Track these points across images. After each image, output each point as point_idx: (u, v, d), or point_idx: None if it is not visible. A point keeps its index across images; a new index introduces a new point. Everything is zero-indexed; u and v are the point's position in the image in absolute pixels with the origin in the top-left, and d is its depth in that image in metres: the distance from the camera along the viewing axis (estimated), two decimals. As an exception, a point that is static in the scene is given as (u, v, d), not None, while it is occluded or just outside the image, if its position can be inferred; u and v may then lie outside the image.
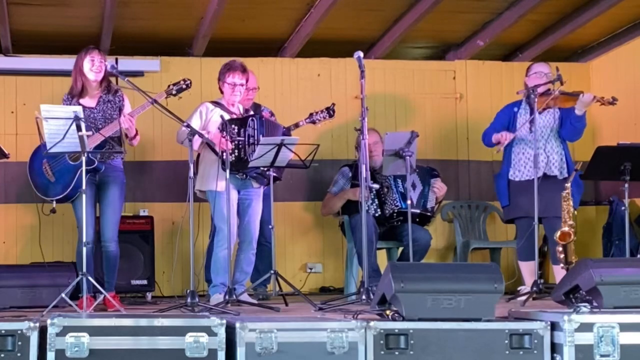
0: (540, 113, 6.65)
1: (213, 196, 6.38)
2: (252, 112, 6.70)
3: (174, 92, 6.34)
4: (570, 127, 6.73)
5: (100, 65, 6.26)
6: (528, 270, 6.76)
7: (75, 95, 6.30)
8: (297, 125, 7.02)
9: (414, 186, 7.32)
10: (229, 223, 6.19)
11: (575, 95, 6.66)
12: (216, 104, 6.56)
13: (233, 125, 6.27)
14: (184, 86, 6.35)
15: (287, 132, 6.64)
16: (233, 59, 6.60)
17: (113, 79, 6.63)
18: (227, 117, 6.32)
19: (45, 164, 6.29)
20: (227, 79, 6.51)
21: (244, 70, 6.54)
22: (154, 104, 5.98)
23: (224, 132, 6.16)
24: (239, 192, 6.49)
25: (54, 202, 6.24)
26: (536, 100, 6.38)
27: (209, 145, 6.32)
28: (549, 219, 6.64)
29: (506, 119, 6.88)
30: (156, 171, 8.12)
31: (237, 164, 6.26)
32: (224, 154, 6.08)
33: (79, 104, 6.19)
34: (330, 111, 7.04)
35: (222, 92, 6.58)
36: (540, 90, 6.47)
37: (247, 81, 6.60)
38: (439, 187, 7.45)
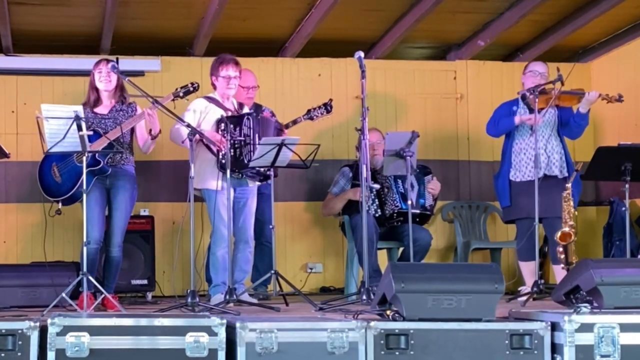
0: (540, 112, 6.66)
1: (208, 195, 6.38)
2: (247, 109, 6.68)
3: (181, 94, 6.38)
4: (574, 124, 6.74)
5: (107, 75, 6.28)
6: (528, 270, 6.77)
7: (89, 105, 6.34)
8: (295, 122, 7.02)
9: (412, 186, 7.32)
10: (229, 224, 6.18)
11: (578, 93, 6.67)
12: (209, 99, 6.53)
13: (231, 124, 6.26)
14: (192, 89, 6.38)
15: (278, 126, 6.62)
16: (224, 54, 6.59)
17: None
18: (222, 113, 6.30)
19: (54, 166, 6.30)
20: (220, 73, 6.48)
21: (236, 62, 6.52)
22: (155, 104, 5.98)
23: (224, 132, 6.15)
24: (234, 191, 6.47)
25: (60, 204, 6.25)
26: (536, 100, 6.39)
27: (204, 143, 6.30)
28: (550, 219, 6.64)
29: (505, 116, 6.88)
30: (157, 171, 8.11)
31: (234, 163, 6.24)
32: (221, 153, 6.06)
33: (94, 113, 6.28)
34: (327, 107, 7.04)
35: (214, 87, 6.56)
36: (539, 89, 6.48)
37: (240, 74, 6.58)
38: (433, 187, 7.45)
